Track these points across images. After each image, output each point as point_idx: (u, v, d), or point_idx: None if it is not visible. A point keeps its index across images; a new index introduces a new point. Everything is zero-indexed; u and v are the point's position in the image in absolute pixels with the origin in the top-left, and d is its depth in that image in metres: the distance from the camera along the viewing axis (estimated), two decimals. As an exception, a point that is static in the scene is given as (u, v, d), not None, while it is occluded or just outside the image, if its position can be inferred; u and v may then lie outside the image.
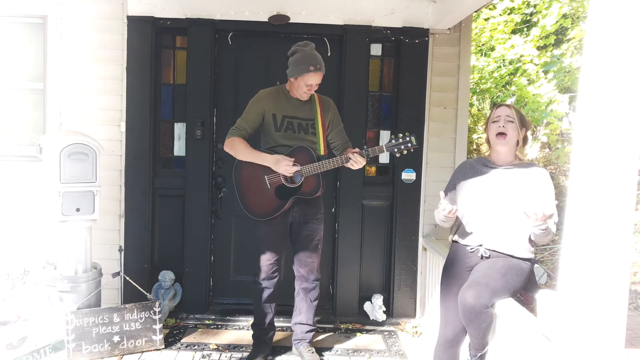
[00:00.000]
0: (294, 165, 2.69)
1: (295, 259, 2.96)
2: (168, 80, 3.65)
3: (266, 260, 2.88)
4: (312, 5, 3.49)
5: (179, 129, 3.66)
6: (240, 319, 3.56)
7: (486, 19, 6.90)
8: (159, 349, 3.04)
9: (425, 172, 3.65)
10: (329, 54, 3.59)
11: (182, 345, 3.16)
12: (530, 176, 2.27)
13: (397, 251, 3.65)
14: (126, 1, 3.45)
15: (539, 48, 6.84)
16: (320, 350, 3.12)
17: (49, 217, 3.06)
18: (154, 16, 3.46)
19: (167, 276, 3.56)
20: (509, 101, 6.53)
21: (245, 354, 3.02)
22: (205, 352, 3.06)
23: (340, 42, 3.59)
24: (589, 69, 1.46)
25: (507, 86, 6.97)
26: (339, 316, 3.64)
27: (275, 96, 2.85)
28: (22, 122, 3.59)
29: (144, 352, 3.00)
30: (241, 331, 3.40)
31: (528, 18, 7.39)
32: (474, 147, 6.67)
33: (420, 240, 3.65)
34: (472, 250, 2.33)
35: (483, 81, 7.06)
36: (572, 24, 6.20)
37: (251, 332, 3.07)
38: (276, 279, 2.93)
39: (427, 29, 3.56)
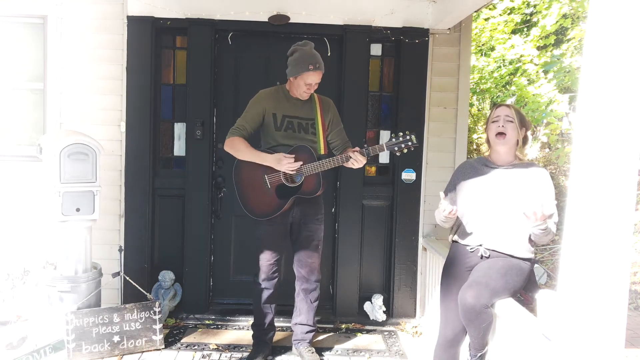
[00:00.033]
0: (295, 162, 2.70)
1: (296, 259, 2.96)
2: (168, 80, 3.65)
3: (266, 260, 2.87)
4: (312, 5, 3.49)
5: (179, 129, 3.66)
6: (240, 319, 3.56)
7: (486, 19, 6.90)
8: (159, 349, 3.04)
9: (425, 172, 3.65)
10: (329, 54, 3.59)
11: (182, 345, 3.16)
12: (530, 176, 2.27)
13: (397, 251, 3.65)
14: (126, 1, 3.45)
15: (539, 48, 6.84)
16: (320, 350, 3.12)
17: (49, 217, 3.06)
18: (154, 16, 3.46)
19: (167, 276, 3.56)
20: (509, 101, 6.53)
21: (245, 354, 3.02)
22: (205, 352, 3.06)
23: (340, 42, 3.59)
24: (589, 69, 1.46)
25: (507, 86, 6.97)
26: (339, 316, 3.64)
27: (275, 96, 2.85)
28: (22, 122, 3.59)
29: (144, 352, 3.00)
30: (241, 331, 3.40)
31: (528, 18, 7.39)
32: (474, 147, 6.67)
33: (420, 240, 3.65)
34: (472, 250, 2.33)
35: (483, 81, 7.06)
36: (572, 24, 6.20)
37: (251, 332, 3.07)
38: (276, 279, 2.93)
39: (427, 29, 3.56)
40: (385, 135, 3.72)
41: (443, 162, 3.64)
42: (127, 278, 3.19)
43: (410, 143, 2.67)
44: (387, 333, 3.48)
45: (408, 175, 3.62)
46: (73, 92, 3.50)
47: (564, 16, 6.16)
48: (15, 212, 3.49)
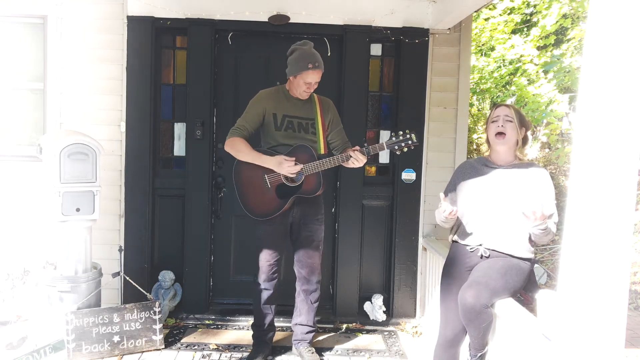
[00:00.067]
0: (295, 164, 2.70)
1: (296, 259, 2.96)
2: (168, 80, 3.65)
3: (266, 260, 2.87)
4: (312, 5, 3.49)
5: (179, 129, 3.66)
6: (240, 319, 3.56)
7: (486, 19, 6.90)
8: (159, 349, 3.04)
9: (425, 172, 3.65)
10: (329, 54, 3.59)
11: (182, 345, 3.16)
12: (530, 176, 2.27)
13: (397, 251, 3.65)
14: (126, 1, 3.45)
15: (539, 48, 6.84)
16: (320, 350, 3.12)
17: (49, 217, 3.06)
18: (154, 16, 3.46)
19: (167, 276, 3.56)
20: (509, 101, 6.53)
21: (245, 354, 3.02)
22: (205, 352, 3.06)
23: (340, 42, 3.59)
24: (589, 69, 1.46)
25: (507, 86, 6.97)
26: (339, 316, 3.64)
27: (275, 96, 2.85)
28: (22, 122, 3.59)
29: (144, 352, 3.00)
30: (241, 331, 3.40)
31: (528, 18, 7.39)
32: (474, 147, 6.68)
33: (420, 240, 3.65)
34: (472, 250, 2.33)
35: (483, 81, 7.06)
36: (572, 24, 6.20)
37: (251, 332, 3.07)
38: (276, 280, 2.93)
39: (427, 29, 3.56)
40: (385, 135, 3.72)
41: (443, 162, 3.64)
42: (127, 278, 3.19)
43: (410, 142, 2.67)
44: (387, 333, 3.48)
45: (408, 175, 3.62)
46: (73, 92, 3.50)
47: (564, 16, 6.17)
48: (16, 212, 3.49)
